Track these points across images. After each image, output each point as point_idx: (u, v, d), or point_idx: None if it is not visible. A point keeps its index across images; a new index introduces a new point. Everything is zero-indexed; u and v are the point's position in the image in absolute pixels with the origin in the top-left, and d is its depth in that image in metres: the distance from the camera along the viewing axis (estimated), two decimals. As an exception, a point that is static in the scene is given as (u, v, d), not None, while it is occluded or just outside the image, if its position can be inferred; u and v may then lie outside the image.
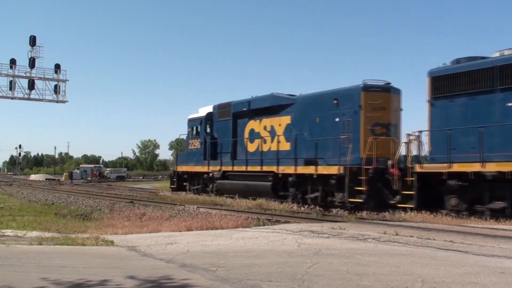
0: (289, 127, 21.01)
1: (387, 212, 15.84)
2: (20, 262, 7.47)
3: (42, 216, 16.76)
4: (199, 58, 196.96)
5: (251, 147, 22.83)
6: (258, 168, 21.62)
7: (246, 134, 23.37)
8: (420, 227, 11.38)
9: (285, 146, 20.85)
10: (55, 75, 36.60)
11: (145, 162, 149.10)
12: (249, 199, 20.95)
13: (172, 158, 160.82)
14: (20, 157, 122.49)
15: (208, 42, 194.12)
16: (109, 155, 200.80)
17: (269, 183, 20.76)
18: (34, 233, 11.50)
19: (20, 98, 36.14)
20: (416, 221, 13.36)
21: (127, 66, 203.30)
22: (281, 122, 21.45)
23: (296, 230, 11.01)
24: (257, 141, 22.49)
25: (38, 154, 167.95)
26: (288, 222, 13.97)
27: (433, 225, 12.01)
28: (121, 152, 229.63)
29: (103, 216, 16.67)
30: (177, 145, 29.91)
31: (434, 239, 9.29)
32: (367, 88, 17.88)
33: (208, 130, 25.72)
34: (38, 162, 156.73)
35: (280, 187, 20.61)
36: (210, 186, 25.14)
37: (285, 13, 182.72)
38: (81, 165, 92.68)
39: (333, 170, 17.63)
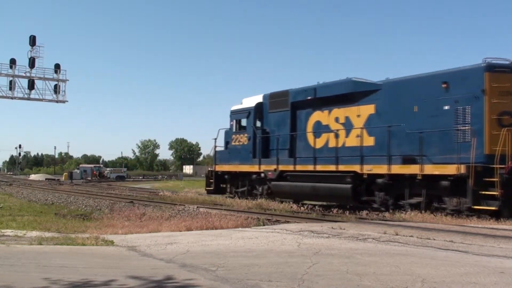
0: (372, 118, 17.26)
1: (387, 212, 15.82)
2: (20, 262, 7.47)
3: (42, 216, 16.77)
4: (199, 58, 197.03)
5: (317, 143, 19.06)
6: (331, 168, 17.95)
7: (310, 128, 19.58)
8: (420, 227, 11.38)
9: (368, 141, 17.17)
10: (55, 75, 36.62)
11: (145, 162, 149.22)
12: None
13: (172, 158, 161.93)
14: (20, 157, 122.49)
15: (207, 42, 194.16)
16: (109, 155, 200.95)
17: (348, 186, 17.10)
18: (34, 233, 11.50)
19: (20, 98, 36.16)
20: (416, 221, 13.35)
21: (127, 66, 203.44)
22: (361, 112, 17.62)
23: (296, 230, 11.01)
24: (325, 136, 18.82)
25: (38, 154, 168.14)
26: (288, 222, 13.97)
27: (433, 225, 12.00)
28: (121, 152, 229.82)
29: (103, 216, 16.68)
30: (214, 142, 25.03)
31: (434, 239, 9.29)
32: (492, 68, 14.44)
33: (258, 123, 22.00)
34: (38, 162, 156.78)
35: (362, 191, 17.12)
36: (260, 188, 21.50)
37: (286, 12, 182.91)
38: (81, 165, 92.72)
39: (450, 169, 14.27)
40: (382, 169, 16.18)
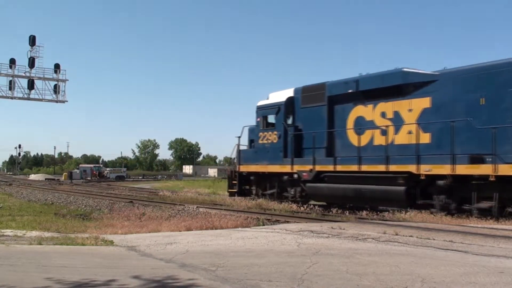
0: (427, 112, 15.49)
1: (387, 212, 15.81)
2: (19, 262, 7.46)
3: (42, 216, 16.76)
4: (199, 57, 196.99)
5: (360, 141, 17.26)
6: (380, 168, 16.10)
7: (350, 124, 17.85)
8: (419, 227, 11.38)
9: (423, 137, 15.38)
10: (54, 75, 36.71)
11: (144, 162, 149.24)
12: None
13: (172, 157, 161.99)
14: (20, 157, 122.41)
15: (207, 42, 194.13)
16: (108, 155, 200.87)
17: (401, 188, 15.35)
18: (34, 233, 11.50)
19: (19, 98, 36.24)
20: (415, 221, 13.35)
21: (127, 66, 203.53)
22: (413, 106, 15.90)
23: (296, 230, 11.01)
24: (369, 132, 17.08)
25: (37, 154, 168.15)
26: (287, 222, 13.98)
27: (432, 225, 12.00)
28: (121, 152, 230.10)
29: (103, 216, 16.67)
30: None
31: (434, 239, 9.29)
32: None
33: (289, 120, 20.13)
34: (37, 162, 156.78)
35: (417, 193, 15.31)
36: (292, 190, 19.62)
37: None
38: (80, 165, 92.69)
39: None
40: (444, 169, 14.39)
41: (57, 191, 32.55)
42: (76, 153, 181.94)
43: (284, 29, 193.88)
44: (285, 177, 19.71)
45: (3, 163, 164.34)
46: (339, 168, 17.58)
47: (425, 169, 14.88)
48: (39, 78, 35.97)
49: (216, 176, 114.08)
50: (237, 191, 21.98)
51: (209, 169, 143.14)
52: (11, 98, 35.89)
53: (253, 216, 14.70)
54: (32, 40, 34.58)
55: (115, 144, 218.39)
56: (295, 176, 19.14)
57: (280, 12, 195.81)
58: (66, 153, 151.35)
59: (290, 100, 20.08)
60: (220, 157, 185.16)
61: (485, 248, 8.32)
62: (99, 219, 15.86)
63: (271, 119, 20.85)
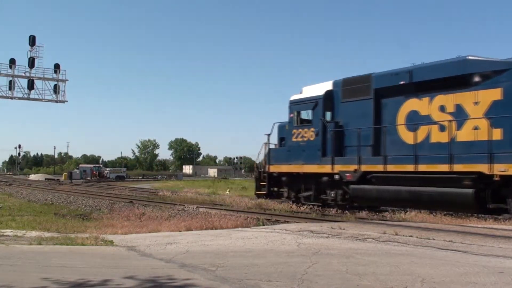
0: (497, 105, 13.83)
1: (387, 212, 15.79)
2: (19, 262, 7.46)
3: (42, 216, 16.76)
4: (198, 57, 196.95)
5: (414, 138, 15.49)
6: (443, 168, 14.39)
7: (402, 119, 16.09)
8: (419, 227, 11.38)
9: (493, 134, 13.68)
10: (54, 75, 36.68)
11: (144, 162, 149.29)
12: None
13: (172, 157, 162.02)
14: (20, 157, 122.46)
15: (207, 42, 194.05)
16: (108, 155, 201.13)
17: (469, 191, 13.66)
18: (34, 233, 11.49)
19: (19, 98, 36.22)
20: (415, 221, 13.36)
21: (126, 66, 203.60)
22: (480, 98, 14.17)
23: (296, 230, 11.00)
24: (424, 129, 15.29)
25: (37, 154, 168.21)
26: (287, 222, 13.97)
27: (432, 225, 12.01)
28: (121, 152, 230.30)
29: (103, 216, 16.68)
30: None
31: (434, 239, 9.29)
32: None
33: (328, 116, 18.43)
34: (37, 162, 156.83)
35: (487, 196, 13.65)
36: (332, 193, 17.76)
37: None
38: (80, 165, 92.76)
39: None
40: None
41: (57, 191, 32.55)
42: (76, 153, 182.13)
43: (285, 29, 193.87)
44: (325, 179, 17.88)
45: (3, 163, 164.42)
46: (391, 168, 15.78)
47: (500, 169, 13.22)
48: (39, 78, 35.95)
49: (216, 176, 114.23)
50: (266, 193, 20.18)
51: (209, 169, 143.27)
52: (11, 98, 35.89)
53: (253, 216, 14.70)
54: (32, 40, 34.55)
55: (115, 144, 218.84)
56: (336, 177, 17.41)
57: (279, 8, 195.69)
58: (66, 153, 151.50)
59: (329, 93, 18.33)
60: (220, 157, 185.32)
61: (485, 248, 8.32)
62: (99, 219, 15.86)
63: (305, 115, 19.15)
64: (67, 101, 37.70)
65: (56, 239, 10.22)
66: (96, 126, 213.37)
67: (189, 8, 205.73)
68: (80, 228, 13.07)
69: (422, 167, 14.93)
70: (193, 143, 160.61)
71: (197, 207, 18.30)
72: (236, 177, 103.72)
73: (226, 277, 6.07)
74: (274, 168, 20.09)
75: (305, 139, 18.83)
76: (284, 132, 20.04)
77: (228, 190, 33.39)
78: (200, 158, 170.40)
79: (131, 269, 6.79)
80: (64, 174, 76.47)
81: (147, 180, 79.23)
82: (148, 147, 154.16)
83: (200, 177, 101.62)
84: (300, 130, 19.12)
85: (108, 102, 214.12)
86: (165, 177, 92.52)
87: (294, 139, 19.30)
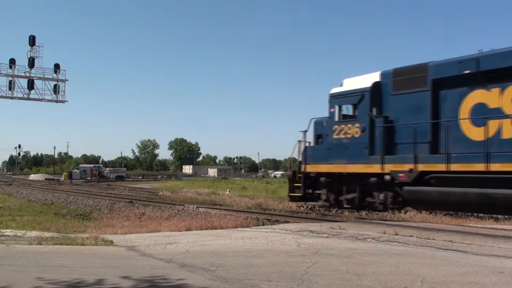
0: None
1: (386, 212, 15.75)
2: (19, 262, 7.46)
3: (42, 216, 16.74)
4: (197, 57, 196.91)
5: (481, 134, 13.90)
6: None
7: (465, 113, 14.48)
8: (419, 227, 11.38)
9: None
10: (54, 75, 36.72)
11: (144, 162, 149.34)
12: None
13: (172, 157, 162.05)
14: (20, 157, 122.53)
15: (207, 42, 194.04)
16: (108, 155, 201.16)
17: None
18: (34, 233, 11.49)
19: (19, 98, 36.25)
20: (415, 220, 13.35)
21: (126, 66, 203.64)
22: None
23: (296, 230, 11.00)
24: (494, 123, 13.72)
25: (37, 154, 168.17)
26: (287, 222, 13.97)
27: (432, 225, 12.01)
28: (121, 152, 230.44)
29: (103, 216, 16.65)
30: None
31: (434, 239, 9.29)
32: None
33: (375, 110, 16.77)
34: (37, 162, 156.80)
35: None
36: (381, 195, 16.17)
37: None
38: (80, 165, 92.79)
39: None
40: None
41: (57, 191, 32.55)
42: (76, 153, 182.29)
43: (285, 28, 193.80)
44: (372, 179, 16.27)
45: (3, 163, 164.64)
46: (455, 167, 14.12)
47: None
48: (39, 78, 35.98)
49: (216, 176, 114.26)
50: (302, 195, 18.53)
51: (209, 169, 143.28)
52: (11, 98, 35.91)
53: (253, 216, 14.70)
54: (32, 40, 34.57)
55: (115, 144, 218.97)
56: (387, 177, 15.78)
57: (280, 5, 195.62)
58: (66, 153, 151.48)
59: (376, 86, 16.72)
60: (220, 157, 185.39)
61: (485, 248, 8.32)
62: (99, 219, 15.84)
63: (347, 109, 17.70)
64: (67, 101, 37.76)
65: (56, 239, 10.21)
66: (96, 126, 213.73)
67: (189, 7, 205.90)
68: (80, 228, 13.06)
69: (495, 167, 13.25)
70: (193, 143, 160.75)
71: (197, 207, 18.29)
72: (236, 177, 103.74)
73: (226, 277, 6.07)
74: (312, 168, 18.44)
75: (349, 135, 17.19)
76: (321, 128, 18.47)
77: (228, 190, 33.40)
78: (200, 158, 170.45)
79: (131, 269, 6.79)
80: (64, 174, 76.49)
81: (147, 180, 79.19)
82: (148, 147, 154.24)
83: (200, 177, 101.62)
84: (342, 126, 17.46)
85: (108, 102, 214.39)
86: (165, 177, 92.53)
87: (335, 136, 17.63)
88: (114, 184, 51.46)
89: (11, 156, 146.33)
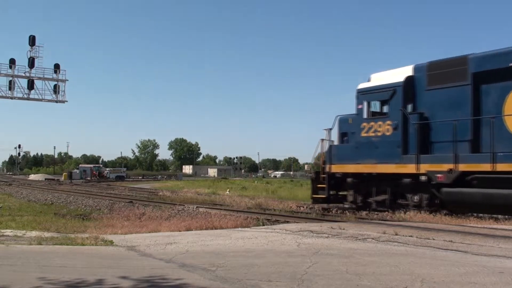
0: None
1: (386, 212, 15.73)
2: (19, 262, 7.46)
3: (42, 216, 16.74)
4: (198, 57, 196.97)
5: None
6: None
7: (510, 108, 13.49)
8: (419, 227, 11.37)
9: None
10: (54, 75, 36.72)
11: (144, 162, 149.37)
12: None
13: (172, 158, 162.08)
14: (20, 157, 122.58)
15: (206, 41, 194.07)
16: (108, 155, 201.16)
17: None
18: (34, 233, 11.49)
19: (19, 98, 36.25)
20: (415, 220, 13.34)
21: (126, 66, 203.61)
22: None
23: (296, 230, 11.00)
24: None
25: (37, 154, 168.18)
26: (287, 222, 13.97)
27: (432, 225, 12.00)
28: (121, 152, 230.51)
29: (103, 216, 16.66)
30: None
31: (434, 239, 9.29)
32: None
33: (409, 106, 15.90)
34: (37, 162, 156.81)
35: None
36: (416, 197, 15.18)
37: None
38: (80, 165, 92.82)
39: None
40: None
41: (56, 191, 32.56)
42: (76, 153, 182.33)
43: (284, 29, 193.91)
44: (405, 180, 15.31)
45: (3, 163, 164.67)
46: (502, 167, 13.10)
47: None
48: (39, 78, 35.98)
49: (216, 176, 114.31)
50: (327, 196, 17.59)
51: (209, 169, 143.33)
52: (11, 98, 35.91)
53: (253, 216, 14.71)
54: (32, 40, 34.56)
55: (115, 144, 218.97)
56: (423, 178, 14.84)
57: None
58: (66, 153, 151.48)
59: (409, 80, 15.76)
60: (220, 157, 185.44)
61: (485, 248, 8.32)
62: (99, 219, 15.84)
63: (376, 106, 16.78)
64: (67, 101, 37.77)
65: (56, 239, 10.21)
66: (96, 126, 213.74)
67: (187, 10, 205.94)
68: (80, 228, 13.06)
69: None
70: (193, 143, 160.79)
71: (197, 207, 18.29)
72: (236, 177, 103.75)
73: (226, 277, 6.07)
74: (337, 168, 17.45)
75: (379, 133, 16.18)
76: (347, 126, 17.57)
77: (228, 190, 33.42)
78: (200, 158, 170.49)
79: (130, 269, 6.79)
80: (64, 174, 76.48)
81: (147, 180, 79.20)
82: (148, 147, 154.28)
83: (200, 177, 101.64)
84: (372, 123, 16.44)
85: (108, 102, 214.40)
86: (165, 177, 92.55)
87: (364, 134, 16.62)
88: (114, 184, 51.46)
89: (11, 156, 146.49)
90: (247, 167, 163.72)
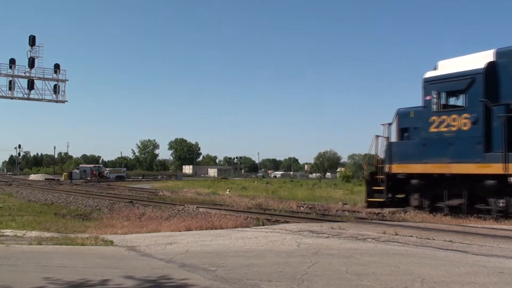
0: None
1: (386, 212, 15.73)
2: (19, 262, 7.46)
3: (42, 216, 16.75)
4: (197, 57, 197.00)
5: None
6: None
7: None
8: (419, 227, 11.38)
9: None
10: (54, 75, 36.62)
11: (144, 162, 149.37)
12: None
13: (172, 158, 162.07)
14: (20, 157, 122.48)
15: (206, 42, 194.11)
16: (108, 155, 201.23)
17: None
18: (34, 233, 11.49)
19: (19, 98, 36.17)
20: (415, 221, 13.36)
21: (126, 66, 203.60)
22: None
23: (296, 230, 11.00)
24: None
25: (37, 154, 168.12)
26: (287, 222, 13.97)
27: (432, 225, 12.01)
28: (121, 152, 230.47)
29: (103, 216, 16.67)
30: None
31: (434, 239, 9.29)
32: None
33: (491, 97, 13.79)
34: (37, 162, 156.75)
35: None
36: (501, 202, 13.30)
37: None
38: (80, 165, 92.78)
39: None
40: None
41: (57, 191, 32.56)
42: (76, 153, 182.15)
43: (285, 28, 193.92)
44: (488, 182, 13.43)
45: (3, 163, 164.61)
46: None
47: None
48: (39, 78, 35.90)
49: (216, 176, 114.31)
50: (385, 200, 15.86)
51: (209, 169, 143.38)
52: (11, 98, 35.84)
53: (253, 216, 14.72)
54: (32, 40, 34.50)
55: (115, 144, 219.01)
56: (511, 180, 12.94)
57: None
58: (66, 153, 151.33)
59: (491, 67, 13.80)
60: (220, 157, 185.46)
61: (485, 248, 8.32)
62: (99, 219, 15.85)
63: (462, 96, 14.63)
64: (67, 101, 37.66)
65: (56, 239, 10.21)
66: (96, 126, 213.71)
67: (187, 10, 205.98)
68: (80, 228, 13.06)
69: None
70: (193, 143, 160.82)
71: (197, 207, 18.30)
72: (236, 177, 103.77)
73: (226, 277, 6.07)
74: (399, 168, 15.59)
75: (454, 128, 14.28)
76: (408, 120, 15.87)
77: (228, 190, 33.42)
78: (200, 158, 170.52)
79: (131, 269, 6.79)
80: (64, 174, 76.48)
81: (147, 180, 79.22)
82: (148, 147, 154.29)
83: (200, 177, 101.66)
84: (444, 116, 14.53)
85: (108, 102, 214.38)
86: (165, 177, 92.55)
87: (433, 129, 14.74)
88: (114, 184, 51.47)
89: (11, 156, 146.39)
90: (247, 167, 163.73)
